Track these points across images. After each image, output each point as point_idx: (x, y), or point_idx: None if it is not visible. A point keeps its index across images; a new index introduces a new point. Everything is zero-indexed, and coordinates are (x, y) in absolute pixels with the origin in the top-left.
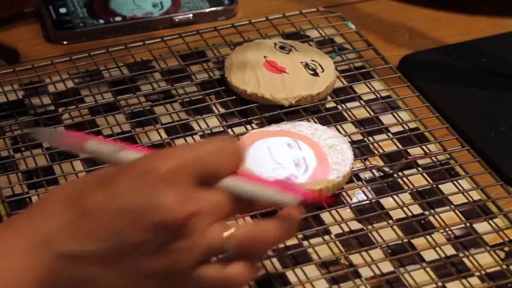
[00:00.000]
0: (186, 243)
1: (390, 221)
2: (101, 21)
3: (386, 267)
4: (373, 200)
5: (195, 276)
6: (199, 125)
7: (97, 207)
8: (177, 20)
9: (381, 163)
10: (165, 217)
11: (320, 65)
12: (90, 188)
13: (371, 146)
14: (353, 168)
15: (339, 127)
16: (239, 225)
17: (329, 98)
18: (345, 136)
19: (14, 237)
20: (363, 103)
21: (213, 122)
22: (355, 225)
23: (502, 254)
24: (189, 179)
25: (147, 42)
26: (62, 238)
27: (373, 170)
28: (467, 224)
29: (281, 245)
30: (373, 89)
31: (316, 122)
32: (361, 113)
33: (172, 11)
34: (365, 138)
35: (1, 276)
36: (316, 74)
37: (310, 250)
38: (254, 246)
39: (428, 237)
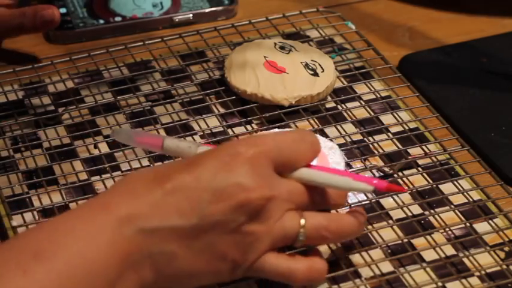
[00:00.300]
0: (262, 226)
1: (390, 221)
2: (101, 21)
3: (387, 267)
4: (373, 200)
5: (261, 261)
6: (199, 125)
7: (183, 185)
8: (177, 20)
9: (381, 163)
10: (247, 198)
11: (320, 65)
12: (176, 168)
13: (371, 146)
14: (351, 169)
15: (339, 127)
16: (313, 215)
17: (329, 98)
18: (345, 136)
19: (102, 213)
20: (363, 103)
21: (213, 122)
22: None
23: (502, 254)
24: (269, 165)
25: (147, 42)
26: (148, 214)
27: (373, 170)
28: (467, 224)
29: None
30: (373, 89)
31: (316, 122)
32: (361, 113)
33: (172, 11)
34: (365, 138)
35: (89, 250)
36: (316, 74)
37: None
38: (324, 234)
39: (428, 237)
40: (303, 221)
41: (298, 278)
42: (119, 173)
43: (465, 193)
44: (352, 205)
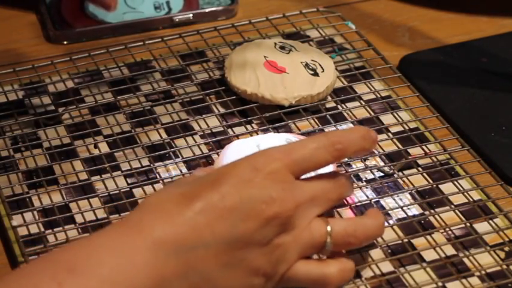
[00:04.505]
0: (290, 237)
1: (390, 221)
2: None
3: (387, 267)
4: (373, 200)
5: (292, 271)
6: (199, 125)
7: (212, 204)
8: (177, 20)
9: (381, 163)
10: (274, 213)
11: (320, 65)
12: (201, 187)
13: None
14: (351, 169)
15: (339, 127)
16: (338, 221)
17: (329, 98)
18: None
19: (136, 234)
20: (363, 103)
21: (213, 122)
22: None
23: (502, 254)
24: (289, 175)
25: (147, 42)
26: (182, 235)
27: (373, 170)
28: (467, 224)
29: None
30: (373, 89)
31: (316, 122)
32: (361, 113)
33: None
34: None
35: (124, 269)
36: (316, 74)
37: None
38: (351, 241)
39: (428, 237)
40: (329, 228)
41: (332, 282)
42: (119, 172)
43: (465, 193)
44: (351, 205)
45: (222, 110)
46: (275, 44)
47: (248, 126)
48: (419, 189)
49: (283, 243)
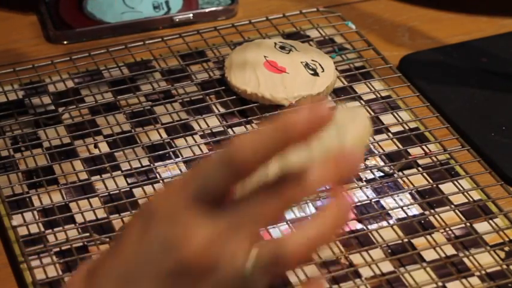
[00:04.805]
0: (211, 282)
1: (390, 221)
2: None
3: (387, 267)
4: (373, 200)
5: None
6: (199, 125)
7: (110, 273)
8: (177, 20)
9: (381, 163)
10: (179, 258)
11: (320, 65)
12: (103, 257)
13: (371, 145)
14: None
15: None
16: (263, 245)
17: (329, 98)
18: None
19: None
20: (363, 103)
21: (213, 121)
22: (355, 225)
23: (502, 254)
24: (191, 206)
25: (147, 42)
26: None
27: (373, 170)
28: (468, 224)
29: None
30: (373, 89)
31: None
32: None
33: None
34: None
35: None
36: (316, 74)
37: None
38: (281, 267)
39: (428, 237)
40: (250, 256)
41: None
42: (119, 172)
43: (465, 193)
44: (351, 205)
45: (222, 110)
46: (275, 44)
47: (248, 126)
48: (419, 189)
49: (206, 285)
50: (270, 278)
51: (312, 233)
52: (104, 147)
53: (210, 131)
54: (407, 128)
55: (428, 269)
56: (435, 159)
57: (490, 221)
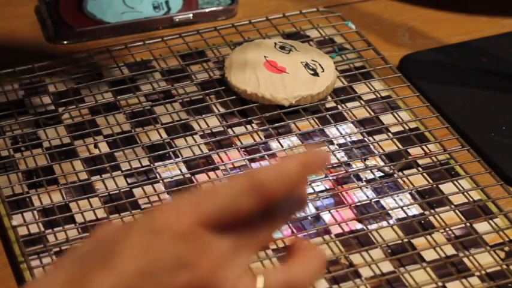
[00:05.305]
0: None
1: (390, 221)
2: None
3: (387, 267)
4: (373, 200)
5: None
6: (199, 125)
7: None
8: (177, 20)
9: (381, 163)
10: (187, 278)
11: (320, 65)
12: (90, 267)
13: (371, 145)
14: (351, 168)
15: (339, 127)
16: (269, 273)
17: (329, 98)
18: (345, 136)
19: None
20: (363, 103)
21: (213, 121)
22: (355, 225)
23: (502, 254)
24: (203, 231)
25: (147, 42)
26: None
27: (373, 170)
28: (467, 224)
29: None
30: (373, 89)
31: (316, 122)
32: (361, 113)
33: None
34: (365, 138)
35: None
36: (316, 74)
37: None
38: None
39: (428, 237)
40: (261, 283)
41: None
42: (119, 172)
43: (465, 193)
44: (351, 205)
45: (222, 110)
46: (275, 44)
47: (248, 126)
48: (419, 189)
49: None
50: None
51: (316, 262)
52: (104, 147)
53: (210, 131)
54: (407, 128)
55: (428, 269)
56: (435, 159)
57: (490, 221)
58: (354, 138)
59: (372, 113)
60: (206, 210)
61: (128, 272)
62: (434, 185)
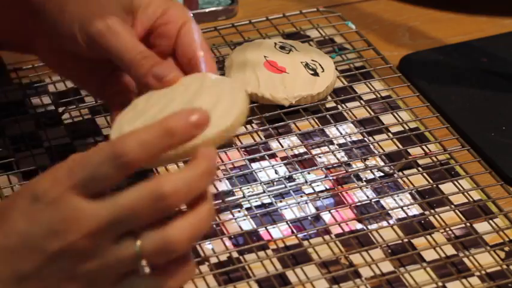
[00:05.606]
0: (95, 263)
1: (390, 221)
2: None
3: (387, 267)
4: (373, 200)
5: None
6: None
7: None
8: None
9: (381, 163)
10: (59, 244)
11: (320, 65)
12: None
13: (371, 145)
14: (352, 168)
15: (339, 127)
16: (148, 235)
17: (329, 98)
18: (345, 136)
19: None
20: (363, 103)
21: None
22: (355, 225)
23: (502, 254)
24: (77, 199)
25: None
26: None
27: (373, 170)
28: (468, 224)
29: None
30: (373, 89)
31: (316, 122)
32: (361, 113)
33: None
34: (365, 138)
35: None
36: (316, 74)
37: (310, 250)
38: (171, 252)
39: (428, 237)
40: (137, 246)
41: None
42: None
43: (465, 193)
44: (351, 205)
45: None
46: (275, 44)
47: (248, 126)
48: (419, 189)
49: (88, 271)
50: (159, 262)
51: (193, 221)
52: None
53: None
54: (407, 128)
55: (428, 269)
56: (435, 159)
57: (490, 221)
58: (354, 138)
59: (372, 113)
60: (76, 177)
61: (11, 234)
62: (435, 185)
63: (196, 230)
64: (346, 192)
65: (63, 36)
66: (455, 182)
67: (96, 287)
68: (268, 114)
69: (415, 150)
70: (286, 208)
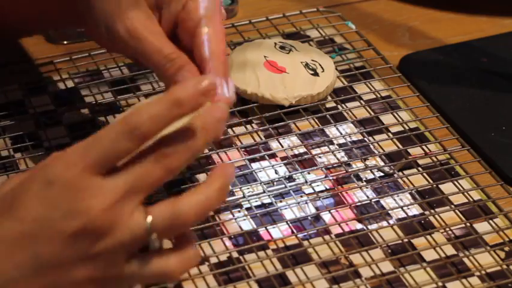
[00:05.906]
0: (110, 241)
1: (390, 221)
2: None
3: (387, 267)
4: (373, 200)
5: (127, 272)
6: None
7: (9, 232)
8: None
9: (381, 163)
10: (78, 224)
11: (320, 65)
12: None
13: (371, 146)
14: (352, 168)
15: (339, 127)
16: (158, 208)
17: (329, 98)
18: (345, 136)
19: None
20: (363, 103)
21: None
22: (355, 225)
23: (502, 254)
24: (91, 178)
25: None
26: None
27: (373, 170)
28: (468, 224)
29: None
30: (373, 89)
31: (316, 122)
32: (361, 113)
33: None
34: (365, 138)
35: None
36: (316, 74)
37: (310, 250)
38: (179, 226)
39: (428, 237)
40: (149, 219)
41: (173, 274)
42: None
43: (465, 193)
44: (351, 205)
45: None
46: (275, 44)
47: (248, 126)
48: (419, 189)
49: (104, 249)
50: (168, 236)
51: (202, 196)
52: None
53: None
54: (407, 128)
55: (428, 269)
56: (435, 159)
57: (490, 221)
58: (354, 138)
59: (372, 113)
60: (91, 157)
61: (27, 219)
62: (435, 185)
63: (206, 205)
64: (346, 192)
65: (92, 34)
66: (455, 182)
67: (110, 267)
68: (268, 114)
69: (415, 150)
70: (286, 208)
